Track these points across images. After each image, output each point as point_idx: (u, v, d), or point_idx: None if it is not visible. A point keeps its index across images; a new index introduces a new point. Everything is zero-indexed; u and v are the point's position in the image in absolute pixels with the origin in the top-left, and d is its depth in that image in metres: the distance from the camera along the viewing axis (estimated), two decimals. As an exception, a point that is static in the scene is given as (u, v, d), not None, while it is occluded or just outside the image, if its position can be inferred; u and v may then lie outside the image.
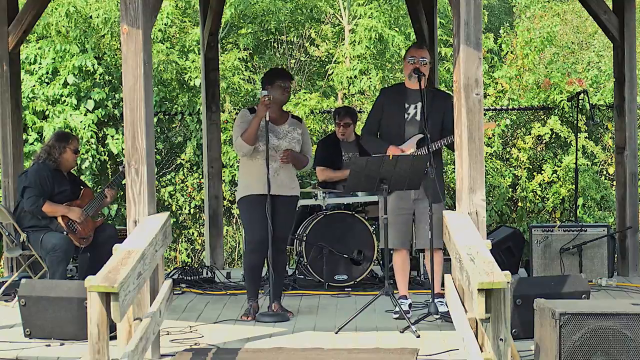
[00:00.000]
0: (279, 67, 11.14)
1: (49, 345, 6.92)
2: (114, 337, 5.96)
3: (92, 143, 13.32)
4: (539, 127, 13.41)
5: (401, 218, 7.89)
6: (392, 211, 7.83)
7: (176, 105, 14.21)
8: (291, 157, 7.92)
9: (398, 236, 7.90)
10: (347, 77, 16.24)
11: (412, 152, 7.82)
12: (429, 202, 7.50)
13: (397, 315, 7.73)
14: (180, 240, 14.03)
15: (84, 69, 13.48)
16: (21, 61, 11.56)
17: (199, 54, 13.11)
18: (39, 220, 8.57)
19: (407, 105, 7.91)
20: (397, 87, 8.16)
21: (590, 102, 11.17)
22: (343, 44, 17.19)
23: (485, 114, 12.85)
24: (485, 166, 12.92)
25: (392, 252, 8.14)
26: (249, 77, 16.06)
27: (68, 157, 8.75)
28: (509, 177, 13.36)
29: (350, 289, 9.20)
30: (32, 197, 8.51)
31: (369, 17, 16.51)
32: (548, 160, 13.50)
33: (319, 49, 17.66)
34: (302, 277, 9.57)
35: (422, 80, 7.72)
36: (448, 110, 7.48)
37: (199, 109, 13.46)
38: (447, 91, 9.55)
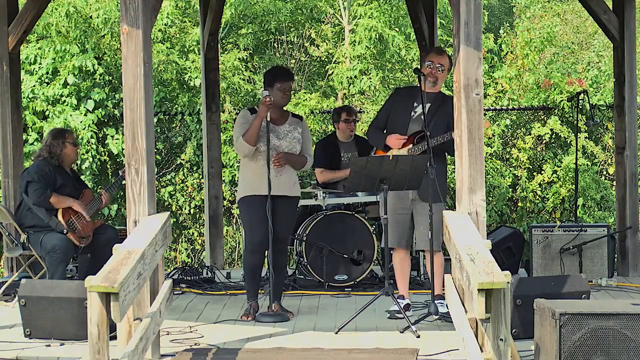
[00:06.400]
0: (280, 65, 11.03)
1: (49, 345, 6.92)
2: (114, 337, 5.97)
3: (92, 143, 13.31)
4: (539, 127, 13.40)
5: (399, 217, 7.94)
6: (390, 211, 7.86)
7: (176, 105, 14.20)
8: (284, 160, 7.89)
9: (395, 235, 7.94)
10: (347, 77, 16.24)
11: (409, 147, 7.85)
12: (430, 203, 7.50)
13: (389, 315, 7.75)
14: (180, 240, 14.03)
15: (84, 69, 13.48)
16: (21, 61, 11.56)
17: (199, 54, 13.10)
18: (40, 220, 8.57)
19: (415, 104, 7.95)
20: (411, 88, 8.26)
21: (590, 102, 11.17)
22: (343, 44, 17.19)
23: (485, 114, 12.84)
24: (485, 166, 12.92)
25: (392, 252, 8.16)
26: (249, 77, 16.06)
27: (69, 152, 8.78)
28: (509, 177, 13.35)
29: (350, 289, 9.20)
30: (38, 189, 8.51)
31: (369, 17, 16.50)
32: (548, 160, 13.49)
33: (319, 49, 17.66)
34: (302, 277, 9.57)
35: (422, 80, 7.76)
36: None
37: (199, 109, 13.45)
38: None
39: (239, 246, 13.81)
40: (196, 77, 14.32)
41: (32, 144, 13.05)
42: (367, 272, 9.33)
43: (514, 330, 6.78)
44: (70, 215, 8.60)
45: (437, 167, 7.66)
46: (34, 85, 13.47)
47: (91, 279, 5.27)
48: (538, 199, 13.36)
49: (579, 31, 20.02)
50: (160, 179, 13.82)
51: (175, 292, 8.61)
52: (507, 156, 13.65)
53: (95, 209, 8.86)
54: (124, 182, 7.12)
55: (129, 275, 5.39)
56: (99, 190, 9.14)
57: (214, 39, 10.97)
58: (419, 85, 7.81)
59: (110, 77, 13.88)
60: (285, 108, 8.12)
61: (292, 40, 18.07)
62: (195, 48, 14.97)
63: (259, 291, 8.10)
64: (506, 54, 14.69)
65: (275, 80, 7.92)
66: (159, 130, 13.85)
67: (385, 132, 8.06)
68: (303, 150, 8.06)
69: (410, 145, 7.89)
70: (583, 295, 7.01)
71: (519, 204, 13.42)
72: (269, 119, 7.80)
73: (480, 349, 5.70)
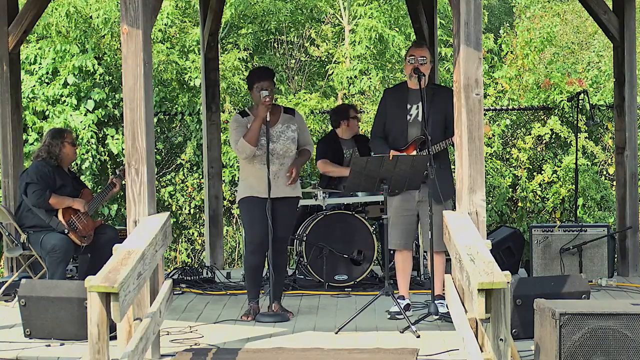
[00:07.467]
0: (259, 66, 11.11)
1: (49, 345, 6.92)
2: (114, 337, 5.97)
3: (92, 143, 13.32)
4: (539, 127, 13.40)
5: (405, 219, 7.90)
6: (396, 212, 7.85)
7: (176, 105, 14.21)
8: (297, 175, 7.88)
9: (402, 237, 7.91)
10: (347, 77, 16.25)
11: (413, 154, 7.84)
12: (429, 203, 7.50)
13: (389, 316, 7.74)
14: (180, 240, 14.03)
15: (84, 69, 13.48)
16: (21, 61, 11.56)
17: (199, 54, 13.11)
18: (40, 220, 8.57)
19: (409, 106, 7.90)
20: (399, 88, 8.13)
21: (590, 102, 11.17)
22: (343, 44, 17.20)
23: (485, 114, 12.84)
24: (485, 166, 12.92)
25: (392, 252, 8.16)
26: (249, 77, 16.05)
27: (68, 152, 8.79)
28: (509, 177, 13.36)
29: (350, 289, 9.20)
30: (37, 191, 8.51)
31: (369, 17, 16.52)
32: (548, 160, 13.49)
33: (319, 49, 17.67)
34: (302, 277, 9.57)
35: (422, 80, 7.71)
36: (450, 106, 7.10)
37: (199, 109, 13.46)
38: (447, 86, 9.54)
39: (239, 246, 13.81)
40: (196, 77, 14.32)
41: (32, 144, 13.05)
42: (367, 272, 9.33)
43: (514, 330, 6.78)
44: (70, 214, 8.60)
45: (441, 167, 7.64)
46: (34, 85, 13.48)
47: (91, 279, 5.27)
48: (538, 199, 13.36)
49: (579, 31, 20.02)
50: (160, 179, 13.82)
51: (175, 292, 8.61)
52: (507, 156, 13.65)
53: (102, 200, 8.94)
54: (123, 181, 7.12)
55: (129, 275, 5.39)
56: (110, 177, 9.15)
57: (214, 39, 10.97)
58: (417, 83, 7.76)
59: (110, 77, 13.88)
60: (279, 104, 8.09)
61: (292, 40, 18.08)
62: (195, 48, 14.98)
63: (260, 291, 8.10)
64: (506, 54, 14.70)
65: (253, 81, 7.91)
66: (159, 130, 13.85)
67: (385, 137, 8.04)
68: (302, 144, 8.02)
69: (414, 153, 7.85)
70: (583, 295, 7.01)
71: (519, 204, 13.42)
72: (268, 119, 7.79)
73: (480, 349, 5.70)
